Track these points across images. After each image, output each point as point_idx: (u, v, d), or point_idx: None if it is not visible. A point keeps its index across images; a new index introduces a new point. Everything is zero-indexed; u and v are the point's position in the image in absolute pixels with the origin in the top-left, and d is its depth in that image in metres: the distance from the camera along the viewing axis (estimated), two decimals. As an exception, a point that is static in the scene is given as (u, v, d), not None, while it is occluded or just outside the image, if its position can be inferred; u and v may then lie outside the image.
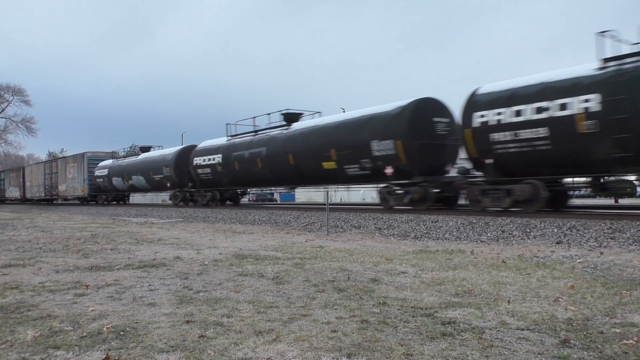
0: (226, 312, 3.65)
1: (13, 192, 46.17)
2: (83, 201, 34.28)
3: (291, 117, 17.34)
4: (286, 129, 16.86)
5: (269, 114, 18.23)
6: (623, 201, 25.32)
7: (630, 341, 2.84)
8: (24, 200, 43.43)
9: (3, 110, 55.85)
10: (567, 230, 7.97)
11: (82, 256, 7.09)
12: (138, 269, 5.84)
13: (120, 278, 5.19)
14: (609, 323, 3.24)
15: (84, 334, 3.13)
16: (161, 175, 23.84)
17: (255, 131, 18.79)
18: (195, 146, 22.31)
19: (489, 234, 8.62)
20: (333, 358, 2.65)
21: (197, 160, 21.20)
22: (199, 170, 21.08)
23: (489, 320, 3.35)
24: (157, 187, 25.59)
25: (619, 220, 8.09)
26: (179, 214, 18.05)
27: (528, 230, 8.36)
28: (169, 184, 23.62)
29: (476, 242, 8.30)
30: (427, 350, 2.74)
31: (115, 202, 32.05)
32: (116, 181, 28.52)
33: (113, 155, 31.43)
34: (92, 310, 3.77)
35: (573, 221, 8.37)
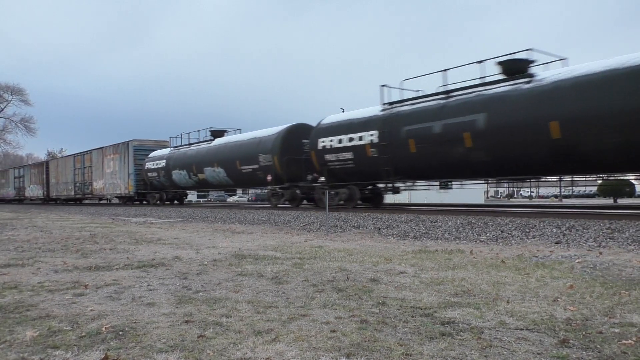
0: (225, 312, 3.65)
1: (34, 191, 40.40)
2: (126, 201, 28.31)
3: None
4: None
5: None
6: (622, 201, 25.35)
7: (629, 341, 2.84)
8: (47, 200, 38.26)
9: (2, 109, 55.84)
10: (566, 230, 7.98)
11: (81, 256, 7.08)
12: (137, 268, 5.84)
13: (119, 278, 5.18)
14: (608, 323, 3.24)
15: (83, 334, 3.12)
16: (255, 166, 17.76)
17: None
18: (307, 125, 17.21)
19: (488, 234, 8.62)
20: (332, 358, 2.65)
21: (325, 142, 14.85)
22: (329, 157, 14.64)
23: (488, 320, 3.35)
24: (246, 181, 19.28)
25: (618, 220, 8.09)
26: (178, 214, 18.04)
27: (527, 230, 8.36)
28: (269, 177, 17.28)
29: (475, 242, 8.30)
30: (427, 350, 2.74)
31: (172, 202, 26.06)
32: (178, 175, 22.43)
33: (162, 144, 26.44)
34: (91, 310, 3.77)
35: (572, 221, 8.38)
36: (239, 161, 18.62)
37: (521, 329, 3.14)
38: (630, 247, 6.73)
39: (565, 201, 45.27)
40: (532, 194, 65.53)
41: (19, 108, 56.40)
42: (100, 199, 32.29)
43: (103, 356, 2.70)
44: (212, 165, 20.29)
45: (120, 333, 3.14)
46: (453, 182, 14.64)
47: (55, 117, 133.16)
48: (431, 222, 10.05)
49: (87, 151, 31.71)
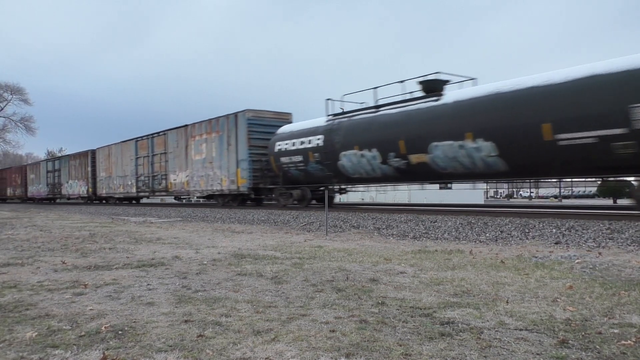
0: (225, 312, 3.65)
1: (74, 188, 32.43)
2: (240, 202, 18.65)
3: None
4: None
5: None
6: (622, 201, 25.36)
7: (629, 342, 2.84)
8: (92, 199, 31.09)
9: (2, 109, 55.84)
10: (565, 230, 7.98)
11: (81, 255, 7.08)
12: (137, 268, 5.84)
13: (118, 277, 5.18)
14: (607, 323, 3.24)
15: (82, 333, 3.12)
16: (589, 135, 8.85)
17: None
18: None
19: (487, 234, 8.62)
20: (332, 358, 2.65)
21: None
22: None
23: (488, 321, 3.35)
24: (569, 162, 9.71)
25: (618, 220, 8.09)
26: (178, 213, 18.04)
27: (527, 231, 8.36)
28: None
29: (475, 242, 8.30)
30: (426, 351, 2.74)
31: (330, 202, 14.79)
32: (355, 159, 13.47)
33: (284, 117, 17.89)
34: (91, 309, 3.77)
35: (572, 221, 8.38)
36: (555, 125, 9.24)
37: (520, 329, 3.14)
38: (629, 248, 6.73)
39: (565, 201, 45.25)
40: (531, 194, 65.50)
41: (18, 107, 56.46)
42: (181, 198, 23.73)
43: (102, 355, 2.70)
44: (457, 137, 10.91)
45: (120, 332, 3.14)
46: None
47: (55, 117, 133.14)
48: (431, 222, 10.05)
49: (158, 133, 22.91)
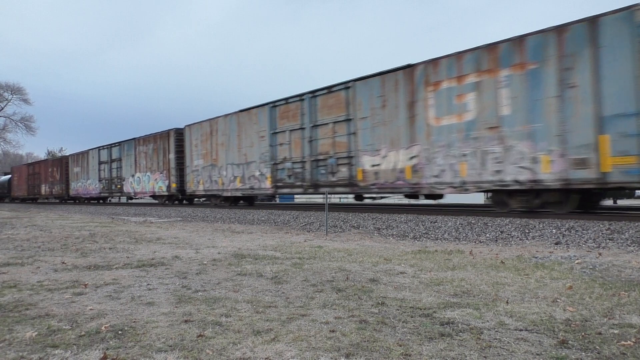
0: (225, 312, 3.65)
1: (144, 183, 23.25)
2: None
3: None
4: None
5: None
6: (622, 202, 25.36)
7: (628, 342, 2.84)
8: (180, 200, 22.70)
9: (2, 109, 55.82)
10: (565, 231, 7.98)
11: (81, 255, 7.08)
12: (137, 268, 5.84)
13: (118, 277, 5.18)
14: (607, 324, 3.24)
15: (82, 333, 3.12)
16: None
17: None
18: None
19: (487, 235, 8.62)
20: (331, 358, 2.65)
21: None
22: None
23: (488, 321, 3.35)
24: None
25: (618, 221, 8.10)
26: (178, 213, 18.03)
27: (527, 231, 8.36)
28: None
29: (475, 242, 8.30)
30: (426, 351, 2.74)
31: None
32: None
33: None
34: (91, 309, 3.77)
35: (572, 222, 8.38)
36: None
37: (520, 330, 3.14)
38: (629, 248, 6.73)
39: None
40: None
41: (18, 107, 56.59)
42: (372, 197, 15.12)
43: (102, 355, 2.70)
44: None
45: (120, 332, 3.14)
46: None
47: (55, 117, 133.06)
48: (431, 222, 10.05)
49: (334, 85, 13.35)
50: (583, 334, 3.03)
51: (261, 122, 16.16)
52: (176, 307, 3.84)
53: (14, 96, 55.46)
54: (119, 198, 29.63)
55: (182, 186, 21.02)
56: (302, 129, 14.52)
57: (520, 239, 8.06)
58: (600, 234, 7.55)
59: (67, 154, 41.17)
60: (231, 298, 4.14)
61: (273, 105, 15.59)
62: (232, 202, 18.97)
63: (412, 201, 13.58)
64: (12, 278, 5.19)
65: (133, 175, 24.53)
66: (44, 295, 4.30)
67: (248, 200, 19.26)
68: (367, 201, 17.09)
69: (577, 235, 7.69)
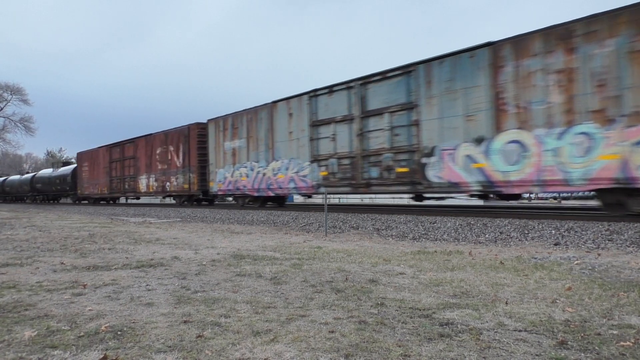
0: (224, 312, 3.64)
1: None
2: None
3: None
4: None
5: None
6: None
7: (628, 343, 2.84)
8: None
9: (1, 109, 55.79)
10: (565, 231, 7.98)
11: (80, 256, 7.07)
12: (136, 268, 5.84)
13: (117, 278, 5.18)
14: (606, 324, 3.24)
15: (82, 334, 3.12)
16: None
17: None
18: None
19: (487, 235, 8.63)
20: (331, 358, 2.65)
21: None
22: None
23: (487, 322, 3.35)
24: None
25: (617, 222, 8.10)
26: (177, 214, 18.02)
27: (526, 232, 8.37)
28: None
29: (474, 243, 8.30)
30: (425, 351, 2.74)
31: None
32: None
33: None
34: (90, 309, 3.77)
35: (571, 222, 8.39)
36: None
37: (520, 330, 3.14)
38: (628, 249, 6.74)
39: (564, 202, 45.24)
40: (531, 195, 65.54)
41: (18, 107, 56.52)
42: None
43: (102, 356, 2.70)
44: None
45: (119, 333, 3.14)
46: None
47: (54, 117, 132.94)
48: (430, 223, 10.05)
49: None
50: (582, 334, 3.03)
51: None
52: (175, 307, 3.84)
53: (14, 96, 55.47)
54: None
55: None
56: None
57: (519, 240, 8.07)
58: (600, 234, 7.56)
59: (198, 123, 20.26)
60: (230, 299, 4.13)
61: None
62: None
63: (412, 201, 13.56)
64: (11, 278, 5.18)
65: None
66: (43, 296, 4.30)
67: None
68: (366, 201, 18.55)
69: (576, 236, 7.70)
